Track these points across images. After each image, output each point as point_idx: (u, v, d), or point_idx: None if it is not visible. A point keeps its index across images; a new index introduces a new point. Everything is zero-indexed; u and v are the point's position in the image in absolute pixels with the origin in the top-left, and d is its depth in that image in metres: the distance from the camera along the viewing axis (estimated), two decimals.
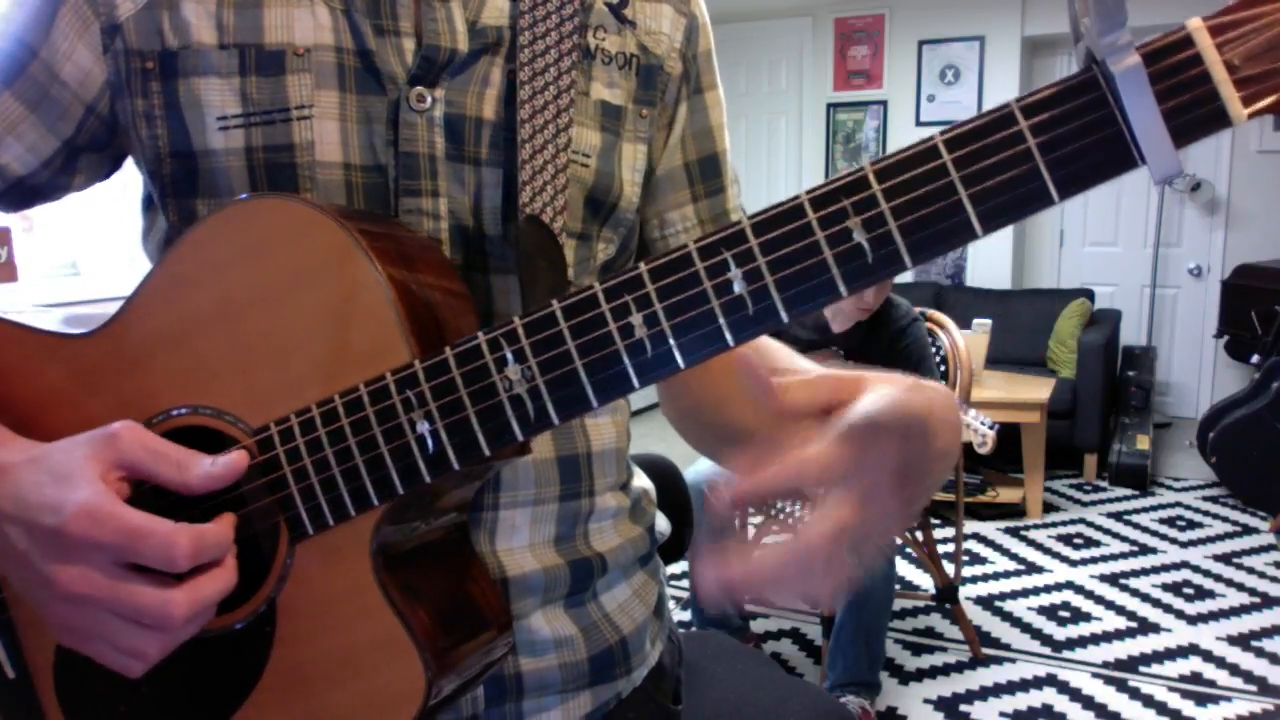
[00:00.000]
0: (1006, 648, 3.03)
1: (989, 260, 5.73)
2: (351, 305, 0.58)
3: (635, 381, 0.52)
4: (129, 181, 0.79)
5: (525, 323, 0.54)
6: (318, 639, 0.60)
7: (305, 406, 0.59)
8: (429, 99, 0.67)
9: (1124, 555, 3.77)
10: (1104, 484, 4.61)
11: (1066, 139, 0.44)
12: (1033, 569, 3.64)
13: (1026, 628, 3.17)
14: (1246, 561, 3.69)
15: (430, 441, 0.56)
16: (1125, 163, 0.44)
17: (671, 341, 0.50)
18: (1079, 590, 3.45)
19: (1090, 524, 4.10)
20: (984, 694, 2.75)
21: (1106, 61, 0.43)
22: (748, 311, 0.49)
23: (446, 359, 0.55)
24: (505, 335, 0.54)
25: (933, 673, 2.87)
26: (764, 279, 0.49)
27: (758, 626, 3.17)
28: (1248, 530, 4.01)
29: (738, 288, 0.49)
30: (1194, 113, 0.43)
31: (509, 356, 0.54)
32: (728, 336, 0.50)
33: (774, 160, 6.24)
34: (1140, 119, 0.43)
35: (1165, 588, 3.46)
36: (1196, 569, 3.62)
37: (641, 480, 0.88)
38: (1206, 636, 3.09)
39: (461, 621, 0.64)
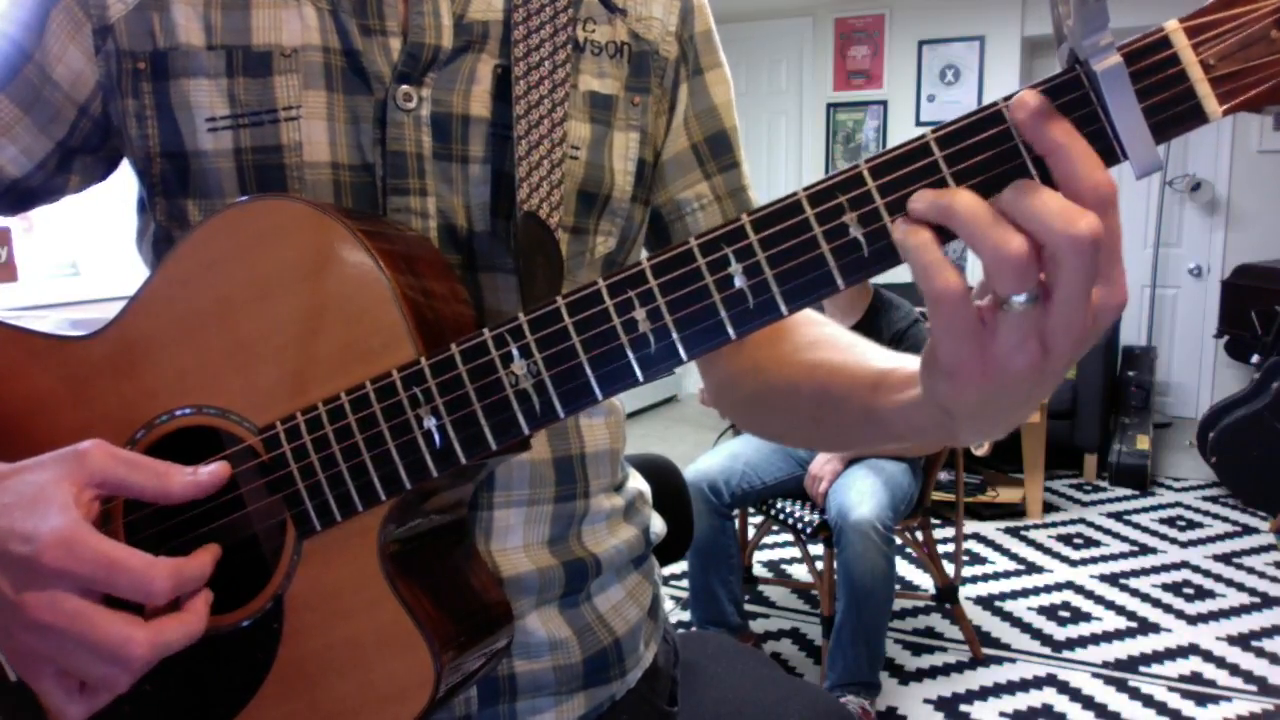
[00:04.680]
0: (1006, 648, 3.03)
1: None
2: (355, 303, 0.58)
3: (639, 374, 0.53)
4: (128, 182, 0.79)
5: (530, 319, 0.54)
6: (325, 633, 0.60)
7: (311, 404, 0.59)
8: (415, 98, 0.67)
9: (1124, 555, 3.76)
10: (1104, 484, 4.61)
11: None
12: (1033, 569, 3.64)
13: (1026, 628, 3.17)
14: (1246, 561, 3.69)
15: (437, 436, 0.56)
16: (1108, 158, 0.45)
17: (674, 335, 0.51)
18: (1079, 590, 3.45)
19: (1090, 524, 4.10)
20: (984, 694, 2.75)
21: (1089, 61, 0.44)
22: (748, 305, 0.50)
23: (452, 355, 0.56)
24: (510, 331, 0.55)
25: (933, 673, 2.87)
26: (764, 273, 0.49)
27: (758, 626, 3.17)
28: (1248, 530, 4.01)
29: (738, 282, 0.50)
30: (1172, 110, 0.44)
31: (514, 352, 0.54)
32: (729, 330, 0.51)
33: (774, 160, 6.24)
34: (1122, 116, 0.44)
35: (1165, 588, 3.46)
36: (1196, 569, 3.62)
37: (637, 481, 0.87)
38: (1206, 636, 3.09)
39: (467, 612, 0.64)
